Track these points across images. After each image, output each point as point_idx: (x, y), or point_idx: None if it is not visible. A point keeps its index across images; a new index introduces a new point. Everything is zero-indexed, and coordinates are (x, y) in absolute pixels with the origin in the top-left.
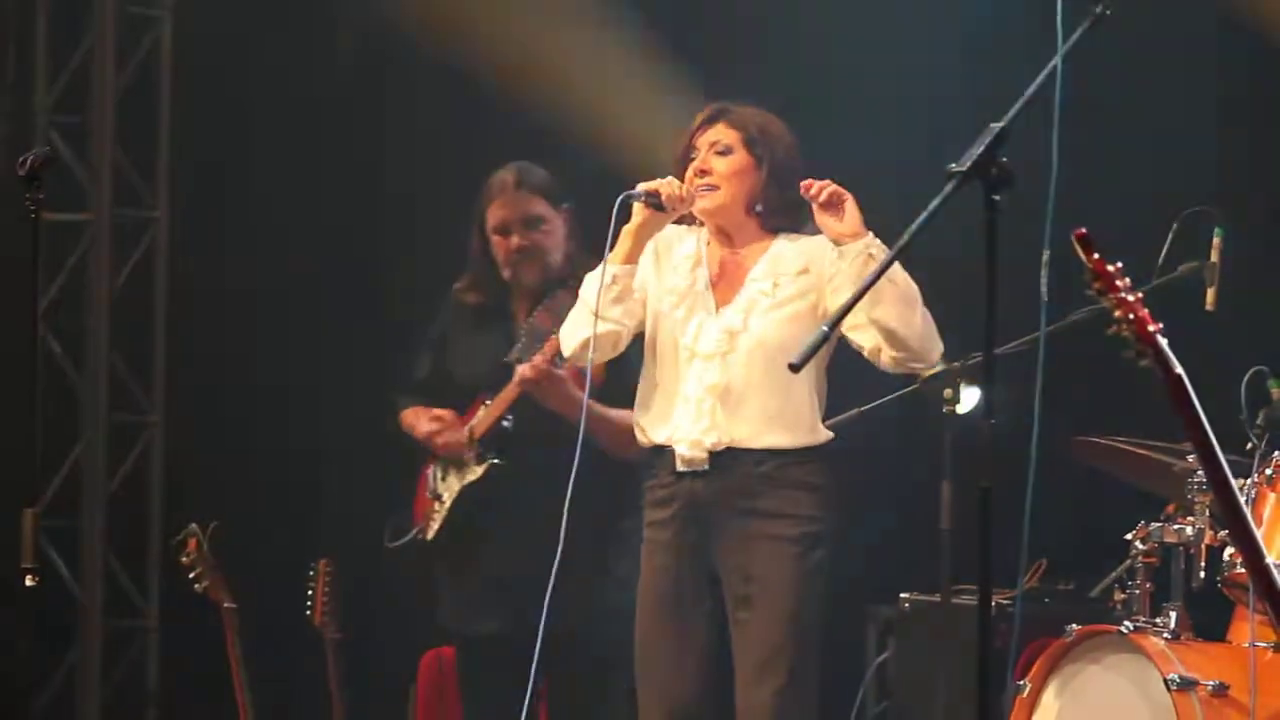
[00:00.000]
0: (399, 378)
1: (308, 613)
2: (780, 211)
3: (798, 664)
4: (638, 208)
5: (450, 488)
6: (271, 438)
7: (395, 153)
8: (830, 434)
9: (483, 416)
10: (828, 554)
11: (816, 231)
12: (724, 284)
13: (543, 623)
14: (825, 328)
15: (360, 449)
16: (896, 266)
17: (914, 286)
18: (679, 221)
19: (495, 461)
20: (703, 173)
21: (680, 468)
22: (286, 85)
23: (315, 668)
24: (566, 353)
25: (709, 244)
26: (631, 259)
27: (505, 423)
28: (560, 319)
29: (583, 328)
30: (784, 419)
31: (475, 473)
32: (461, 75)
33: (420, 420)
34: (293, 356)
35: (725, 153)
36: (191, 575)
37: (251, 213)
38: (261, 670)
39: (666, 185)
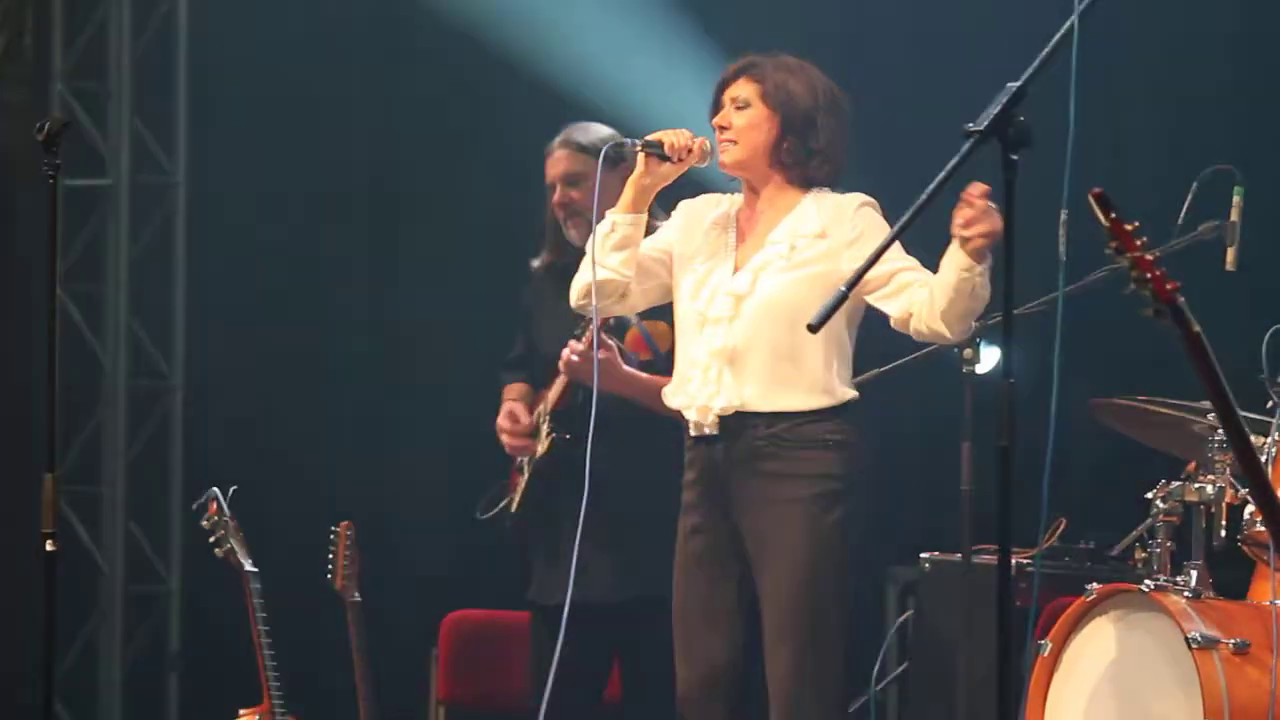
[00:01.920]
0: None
1: (328, 576)
2: (805, 163)
3: (816, 626)
4: (640, 157)
5: (529, 461)
6: (292, 402)
7: (414, 118)
8: (853, 393)
9: (552, 392)
10: (849, 512)
11: (849, 189)
12: (748, 245)
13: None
14: (844, 288)
15: (379, 412)
16: (984, 278)
17: (983, 301)
18: (725, 190)
19: (560, 437)
20: (722, 128)
21: (694, 433)
22: (305, 48)
23: (336, 631)
24: (572, 302)
25: (742, 206)
26: (635, 208)
27: (572, 398)
28: None
29: (582, 275)
30: (795, 381)
31: (543, 446)
32: (483, 39)
33: (502, 411)
34: (311, 321)
35: (744, 107)
36: (212, 540)
37: (271, 177)
38: (283, 634)
39: (671, 134)
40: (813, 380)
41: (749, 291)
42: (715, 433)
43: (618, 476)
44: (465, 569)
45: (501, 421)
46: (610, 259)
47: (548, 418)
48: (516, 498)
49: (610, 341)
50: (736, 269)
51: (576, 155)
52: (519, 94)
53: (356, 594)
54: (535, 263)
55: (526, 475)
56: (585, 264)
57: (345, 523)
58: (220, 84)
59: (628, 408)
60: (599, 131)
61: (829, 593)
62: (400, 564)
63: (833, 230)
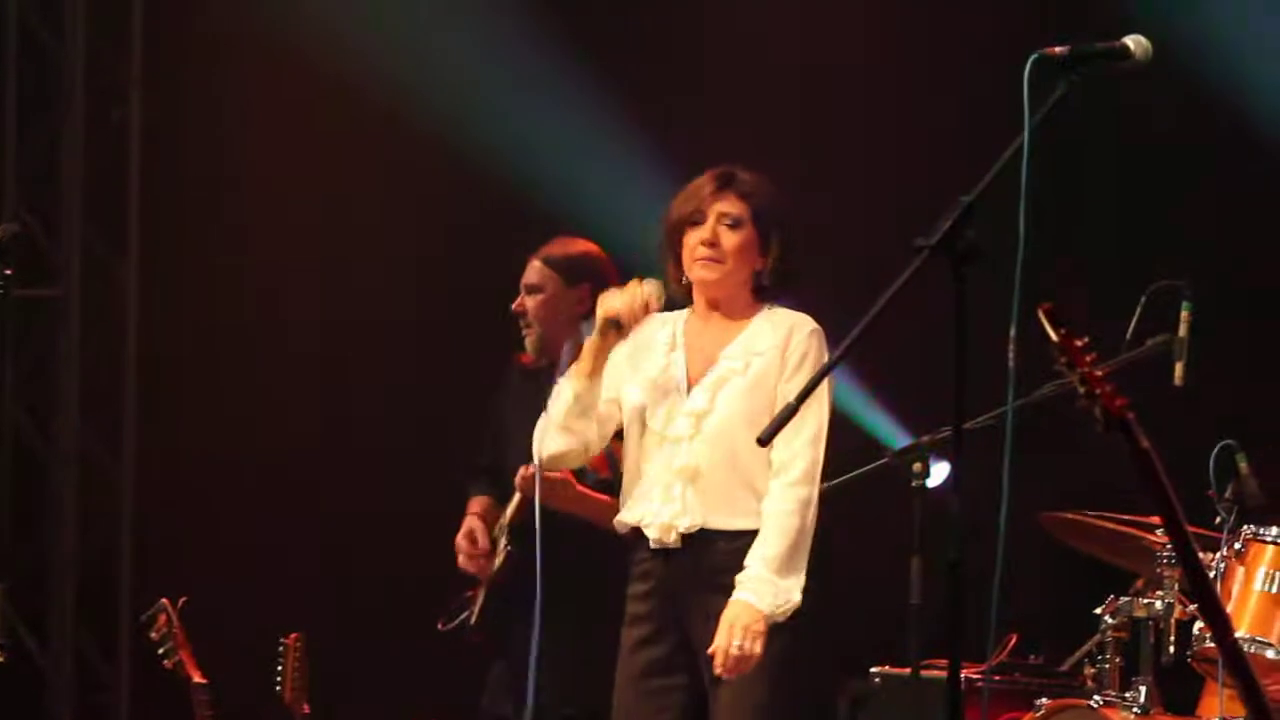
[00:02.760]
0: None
1: (277, 689)
2: (778, 284)
3: None
4: (597, 330)
5: (487, 576)
6: (242, 511)
7: (367, 220)
8: None
9: (512, 505)
10: (800, 631)
11: (796, 306)
12: (699, 361)
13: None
14: (794, 402)
15: (330, 522)
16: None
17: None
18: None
19: (512, 551)
20: (710, 244)
21: (654, 545)
22: (259, 158)
23: None
24: (540, 462)
25: (688, 320)
26: (595, 374)
27: (528, 512)
28: None
29: (548, 439)
30: (755, 499)
31: (498, 560)
32: (450, 140)
33: (463, 527)
34: (263, 428)
35: (735, 226)
36: (160, 651)
37: (221, 284)
38: None
39: (623, 306)
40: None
41: (708, 409)
42: (677, 546)
43: (568, 592)
44: (416, 680)
45: (460, 541)
46: (577, 424)
47: (506, 531)
48: (475, 610)
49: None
50: (690, 385)
51: (543, 269)
52: (477, 195)
53: (306, 706)
54: (517, 364)
55: (485, 588)
56: (547, 426)
57: (294, 634)
58: (174, 189)
59: (581, 525)
60: (568, 249)
61: (783, 707)
62: (351, 675)
63: (782, 348)
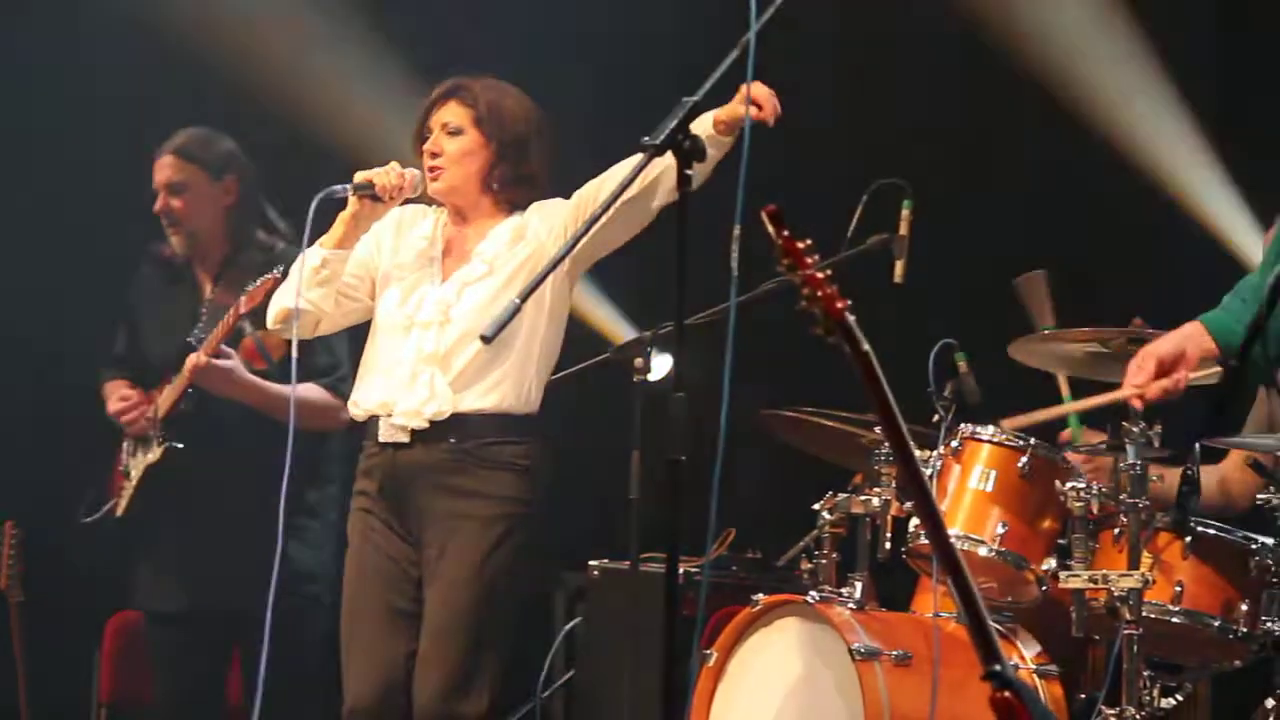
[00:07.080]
0: (91, 346)
1: None
2: (513, 187)
3: (481, 637)
4: (352, 199)
5: (138, 466)
6: None
7: (81, 118)
8: (536, 405)
9: (164, 398)
10: (527, 536)
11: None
12: (451, 259)
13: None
14: (518, 300)
15: (47, 413)
16: None
17: None
18: (426, 202)
19: (173, 445)
20: (434, 155)
21: (383, 439)
22: None
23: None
24: (269, 321)
25: (446, 223)
26: (344, 244)
27: (183, 405)
28: (235, 296)
29: (285, 299)
30: (498, 387)
31: (155, 454)
32: (152, 35)
33: (111, 398)
34: None
35: (456, 133)
36: None
37: None
38: None
39: (382, 175)
40: (515, 383)
41: (455, 300)
42: (406, 440)
43: (233, 484)
44: (130, 569)
45: (115, 406)
46: (313, 293)
47: (158, 426)
48: (123, 502)
49: (232, 350)
50: (444, 278)
51: (184, 164)
52: (193, 97)
53: (20, 594)
54: (154, 254)
55: (135, 480)
56: (286, 288)
57: (9, 522)
58: None
59: (244, 416)
60: (206, 141)
61: (499, 610)
62: (65, 564)
63: (530, 231)
